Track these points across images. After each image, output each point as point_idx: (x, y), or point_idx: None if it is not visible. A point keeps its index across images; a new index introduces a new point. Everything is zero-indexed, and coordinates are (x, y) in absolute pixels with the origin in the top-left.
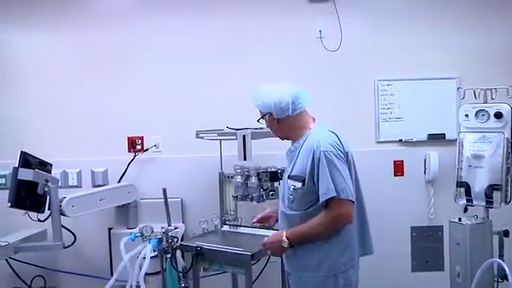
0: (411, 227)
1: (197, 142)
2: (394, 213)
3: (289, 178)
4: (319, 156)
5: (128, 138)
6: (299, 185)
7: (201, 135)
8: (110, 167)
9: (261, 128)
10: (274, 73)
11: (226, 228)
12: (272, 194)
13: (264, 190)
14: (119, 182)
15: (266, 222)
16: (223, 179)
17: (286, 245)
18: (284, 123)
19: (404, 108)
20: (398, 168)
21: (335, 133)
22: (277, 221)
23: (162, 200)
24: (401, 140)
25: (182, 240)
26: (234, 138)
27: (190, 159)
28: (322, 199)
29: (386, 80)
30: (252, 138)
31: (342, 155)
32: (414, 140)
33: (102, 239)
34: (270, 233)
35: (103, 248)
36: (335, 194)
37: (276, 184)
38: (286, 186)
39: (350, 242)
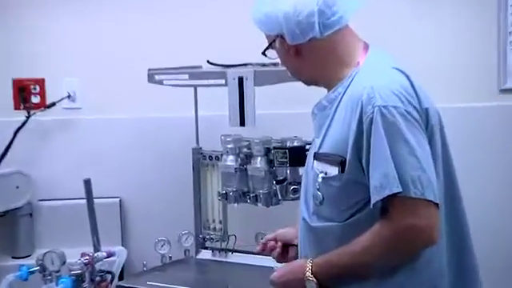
0: None
1: (150, 92)
2: None
3: (315, 158)
4: (372, 116)
5: (14, 81)
6: (334, 171)
7: (158, 77)
8: None
9: (273, 64)
10: None
11: (205, 255)
12: (294, 190)
13: (279, 181)
14: None
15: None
16: (201, 161)
17: (312, 285)
18: (307, 54)
19: None
20: None
21: (405, 72)
22: (297, 254)
23: (83, 202)
24: None
25: (121, 278)
26: (222, 82)
27: (135, 123)
28: (374, 198)
29: None
30: (256, 84)
31: (416, 115)
32: None
33: None
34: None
35: None
36: (399, 190)
37: (302, 170)
38: (310, 175)
39: (434, 280)
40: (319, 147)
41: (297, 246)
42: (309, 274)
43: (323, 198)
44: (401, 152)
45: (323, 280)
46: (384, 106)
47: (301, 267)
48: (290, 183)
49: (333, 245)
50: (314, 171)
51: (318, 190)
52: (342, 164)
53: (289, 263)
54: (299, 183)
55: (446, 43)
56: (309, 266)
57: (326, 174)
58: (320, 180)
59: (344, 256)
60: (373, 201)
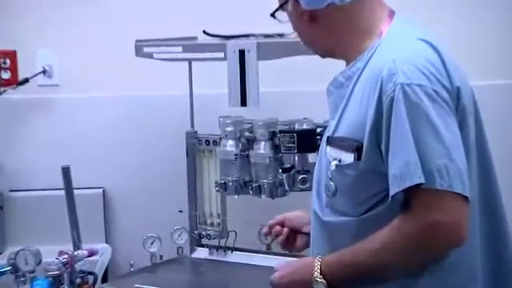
0: None
1: (138, 66)
2: None
3: (328, 143)
4: (393, 95)
5: None
6: (349, 158)
7: (147, 50)
8: None
9: (279, 35)
10: None
11: (201, 253)
12: (303, 180)
13: (285, 169)
14: None
15: (281, 238)
16: (196, 147)
17: (320, 287)
18: (324, 22)
19: None
20: None
21: (433, 44)
22: (306, 244)
23: (62, 193)
24: None
25: (105, 280)
26: (221, 55)
27: (121, 102)
28: (393, 189)
29: None
30: (260, 58)
31: (445, 95)
32: None
33: None
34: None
35: None
36: (422, 181)
37: (312, 157)
38: (323, 162)
39: (464, 282)
40: (334, 131)
41: (307, 234)
42: (317, 273)
43: (336, 189)
44: (425, 137)
45: (334, 281)
46: (408, 84)
47: (308, 266)
48: (299, 172)
49: (348, 242)
50: (327, 158)
51: (330, 179)
52: (358, 150)
53: (293, 261)
54: (308, 172)
55: (487, 15)
56: (317, 264)
57: (339, 161)
58: (333, 168)
59: (359, 254)
60: (391, 192)
